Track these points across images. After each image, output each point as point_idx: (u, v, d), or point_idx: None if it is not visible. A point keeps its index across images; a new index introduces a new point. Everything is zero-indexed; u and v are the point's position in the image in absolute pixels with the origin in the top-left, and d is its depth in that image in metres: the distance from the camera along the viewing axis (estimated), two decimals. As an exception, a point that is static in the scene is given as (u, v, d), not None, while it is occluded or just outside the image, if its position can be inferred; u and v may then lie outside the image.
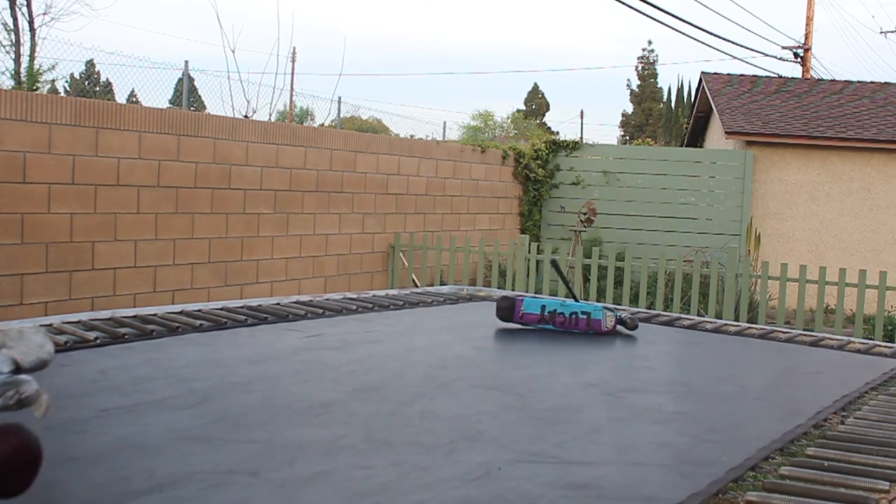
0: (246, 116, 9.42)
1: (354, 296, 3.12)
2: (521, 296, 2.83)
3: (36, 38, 12.80)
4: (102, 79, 20.32)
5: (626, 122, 43.87)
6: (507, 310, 2.75)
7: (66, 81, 16.09)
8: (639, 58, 44.96)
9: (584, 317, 2.71)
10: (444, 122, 39.60)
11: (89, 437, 1.48)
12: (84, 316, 2.44)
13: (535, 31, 78.32)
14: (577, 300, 2.80)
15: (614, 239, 11.82)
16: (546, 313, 2.72)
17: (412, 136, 15.08)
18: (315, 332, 2.39)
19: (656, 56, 46.53)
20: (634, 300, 9.12)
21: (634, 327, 2.76)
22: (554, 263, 3.07)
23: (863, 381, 2.16)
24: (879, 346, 2.68)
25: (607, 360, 2.47)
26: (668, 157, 12.66)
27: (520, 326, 2.74)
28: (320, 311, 2.76)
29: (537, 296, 2.86)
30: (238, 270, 7.57)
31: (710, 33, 25.05)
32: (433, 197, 10.14)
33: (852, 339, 2.81)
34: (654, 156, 12.74)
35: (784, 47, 21.89)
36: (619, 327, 2.74)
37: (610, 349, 2.57)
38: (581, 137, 24.84)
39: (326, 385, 1.95)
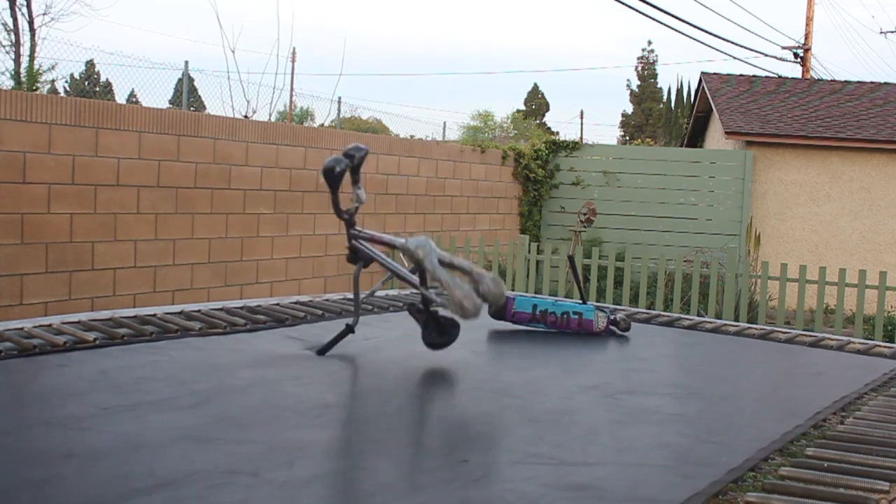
0: (246, 117, 9.41)
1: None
2: (512, 295, 2.83)
3: (36, 38, 12.77)
4: (102, 79, 20.28)
5: (625, 122, 43.83)
6: (499, 308, 2.75)
7: (66, 81, 16.06)
8: (639, 58, 44.95)
9: (576, 317, 2.71)
10: (444, 123, 39.52)
11: (90, 435, 1.48)
12: (84, 316, 2.44)
13: (535, 31, 78.14)
14: (584, 302, 2.80)
15: (614, 239, 11.81)
16: (538, 312, 2.72)
17: (412, 137, 15.05)
18: (314, 343, 2.34)
19: (656, 56, 46.48)
20: (634, 300, 9.12)
21: (627, 328, 2.75)
22: (570, 260, 3.06)
23: (862, 382, 2.16)
24: (879, 346, 2.68)
25: (606, 361, 2.46)
26: (668, 157, 12.66)
27: (516, 328, 2.74)
28: (320, 312, 2.76)
29: (529, 295, 2.86)
30: (238, 270, 7.56)
31: (710, 33, 24.95)
32: (433, 197, 10.14)
33: (852, 339, 2.81)
34: (654, 156, 12.74)
35: (784, 47, 21.86)
36: (611, 328, 2.74)
37: (609, 350, 2.57)
38: (581, 138, 24.83)
39: (326, 388, 1.95)
